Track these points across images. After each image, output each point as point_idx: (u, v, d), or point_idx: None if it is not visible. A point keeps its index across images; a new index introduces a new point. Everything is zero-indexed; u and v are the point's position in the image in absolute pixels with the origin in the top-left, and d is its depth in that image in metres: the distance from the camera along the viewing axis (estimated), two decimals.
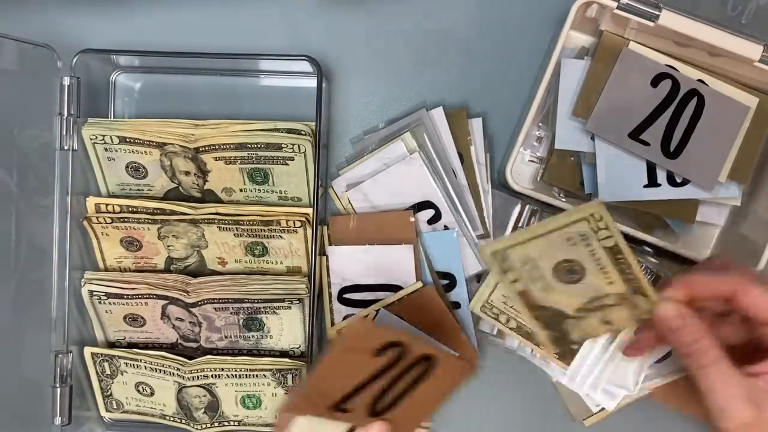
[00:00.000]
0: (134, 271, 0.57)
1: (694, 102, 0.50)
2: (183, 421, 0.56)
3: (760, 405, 0.37)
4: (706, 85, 0.51)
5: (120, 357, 0.55)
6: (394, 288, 0.55)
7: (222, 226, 0.53)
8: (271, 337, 0.55)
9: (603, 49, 0.52)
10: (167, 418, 0.57)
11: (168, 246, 0.55)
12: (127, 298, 0.55)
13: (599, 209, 0.41)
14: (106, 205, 0.54)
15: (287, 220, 0.53)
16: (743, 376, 0.38)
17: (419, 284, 0.54)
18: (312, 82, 0.52)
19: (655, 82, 0.51)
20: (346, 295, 0.55)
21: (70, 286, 0.54)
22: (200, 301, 0.54)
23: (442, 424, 0.57)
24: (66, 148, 0.53)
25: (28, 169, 0.53)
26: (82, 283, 0.55)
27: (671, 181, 0.52)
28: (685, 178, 0.52)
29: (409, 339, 0.40)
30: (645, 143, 0.51)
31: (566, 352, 0.48)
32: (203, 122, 0.53)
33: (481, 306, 0.55)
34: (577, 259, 0.42)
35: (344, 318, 0.55)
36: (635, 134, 0.51)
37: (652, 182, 0.52)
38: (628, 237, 0.53)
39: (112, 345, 0.57)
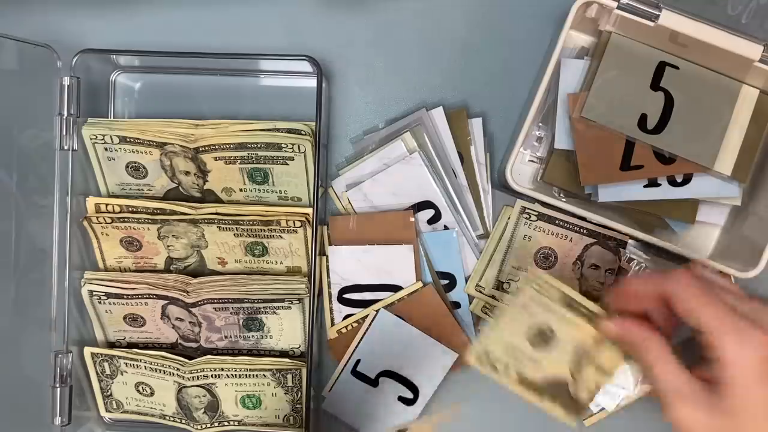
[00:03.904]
0: (134, 271, 0.57)
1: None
2: (183, 421, 0.56)
3: (697, 403, 0.37)
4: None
5: (120, 357, 0.55)
6: (394, 288, 0.55)
7: (222, 226, 0.53)
8: (271, 337, 0.55)
9: (603, 48, 0.52)
10: (167, 418, 0.57)
11: (168, 246, 0.55)
12: (127, 298, 0.55)
13: (535, 277, 0.45)
14: (106, 205, 0.54)
15: (287, 220, 0.53)
16: (689, 376, 0.38)
17: (419, 284, 0.54)
18: (312, 82, 0.52)
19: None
20: (346, 295, 0.55)
21: (70, 286, 0.54)
22: (200, 301, 0.54)
23: (441, 426, 0.57)
24: (66, 148, 0.53)
25: (28, 169, 0.53)
26: (82, 283, 0.55)
27: (671, 181, 0.52)
28: (685, 176, 0.52)
29: None
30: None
31: (583, 411, 0.48)
32: (203, 122, 0.53)
33: (482, 306, 0.55)
34: (542, 322, 0.44)
35: (344, 318, 0.55)
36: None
37: (652, 182, 0.52)
38: (629, 237, 0.53)
39: (112, 345, 0.57)
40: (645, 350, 0.39)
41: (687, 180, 0.52)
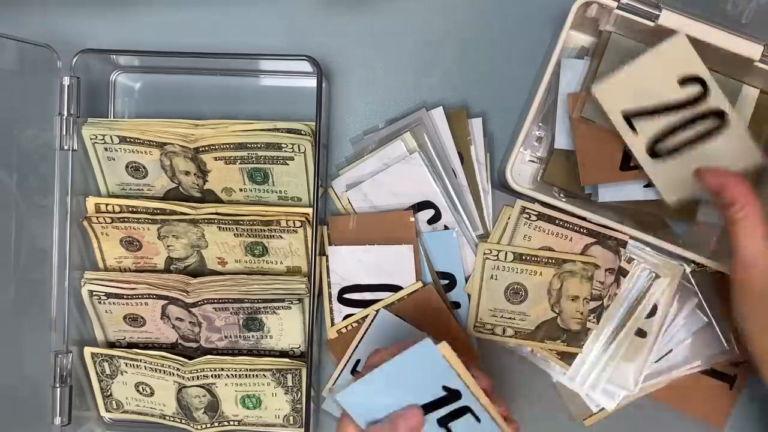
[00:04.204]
0: (134, 271, 0.57)
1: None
2: (183, 421, 0.56)
3: None
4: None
5: (120, 357, 0.55)
6: (394, 288, 0.55)
7: (222, 226, 0.53)
8: (271, 337, 0.55)
9: (603, 48, 0.52)
10: (167, 418, 0.57)
11: (168, 246, 0.55)
12: (127, 298, 0.55)
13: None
14: (106, 205, 0.54)
15: (287, 220, 0.53)
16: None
17: (419, 284, 0.54)
18: (312, 82, 0.52)
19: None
20: (346, 295, 0.55)
21: (70, 286, 0.54)
22: (200, 301, 0.54)
23: None
24: (66, 148, 0.53)
25: (28, 169, 0.53)
26: (82, 283, 0.55)
27: None
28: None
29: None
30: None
31: (580, 340, 0.55)
32: (203, 122, 0.53)
33: (473, 326, 0.55)
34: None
35: (344, 318, 0.55)
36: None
37: (653, 183, 0.52)
38: (629, 237, 0.53)
39: (112, 345, 0.57)
40: (738, 208, 0.43)
41: None
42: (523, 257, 0.53)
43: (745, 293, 0.45)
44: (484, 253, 0.54)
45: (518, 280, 0.54)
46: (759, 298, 0.44)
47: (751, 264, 0.43)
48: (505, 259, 0.54)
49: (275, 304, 0.54)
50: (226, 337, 0.56)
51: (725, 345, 0.54)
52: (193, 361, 0.54)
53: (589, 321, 0.54)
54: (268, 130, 0.52)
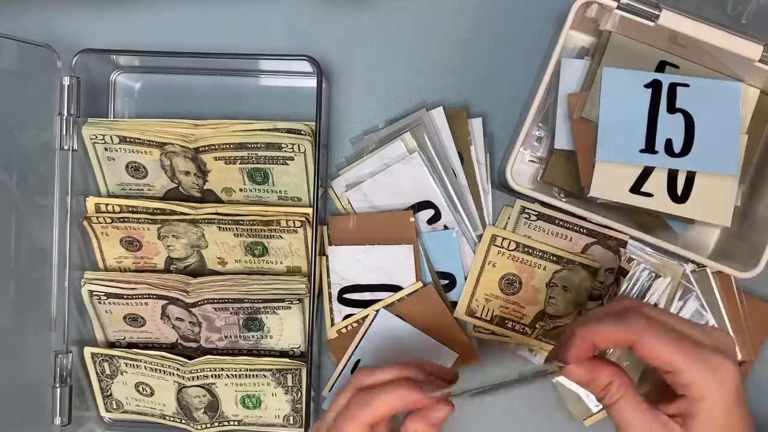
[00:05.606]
0: (134, 271, 0.57)
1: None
2: (183, 421, 0.56)
3: None
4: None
5: (120, 357, 0.55)
6: (394, 288, 0.55)
7: (222, 226, 0.53)
8: (271, 337, 0.55)
9: (603, 48, 0.52)
10: (167, 418, 0.57)
11: (168, 246, 0.55)
12: (127, 298, 0.55)
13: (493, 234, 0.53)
14: (106, 205, 0.54)
15: (287, 220, 0.53)
16: (654, 412, 0.37)
17: (419, 284, 0.54)
18: (312, 82, 0.52)
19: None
20: (346, 295, 0.55)
21: (70, 286, 0.54)
22: (200, 301, 0.54)
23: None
24: (66, 148, 0.53)
25: (28, 169, 0.53)
26: (82, 283, 0.55)
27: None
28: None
29: None
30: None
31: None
32: (203, 122, 0.53)
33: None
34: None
35: (344, 318, 0.55)
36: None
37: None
38: (629, 237, 0.53)
39: (112, 345, 0.57)
40: (614, 389, 0.38)
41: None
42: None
43: None
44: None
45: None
46: None
47: None
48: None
49: (275, 304, 0.54)
50: (226, 337, 0.56)
51: None
52: (193, 361, 0.54)
53: None
54: (268, 130, 0.52)
